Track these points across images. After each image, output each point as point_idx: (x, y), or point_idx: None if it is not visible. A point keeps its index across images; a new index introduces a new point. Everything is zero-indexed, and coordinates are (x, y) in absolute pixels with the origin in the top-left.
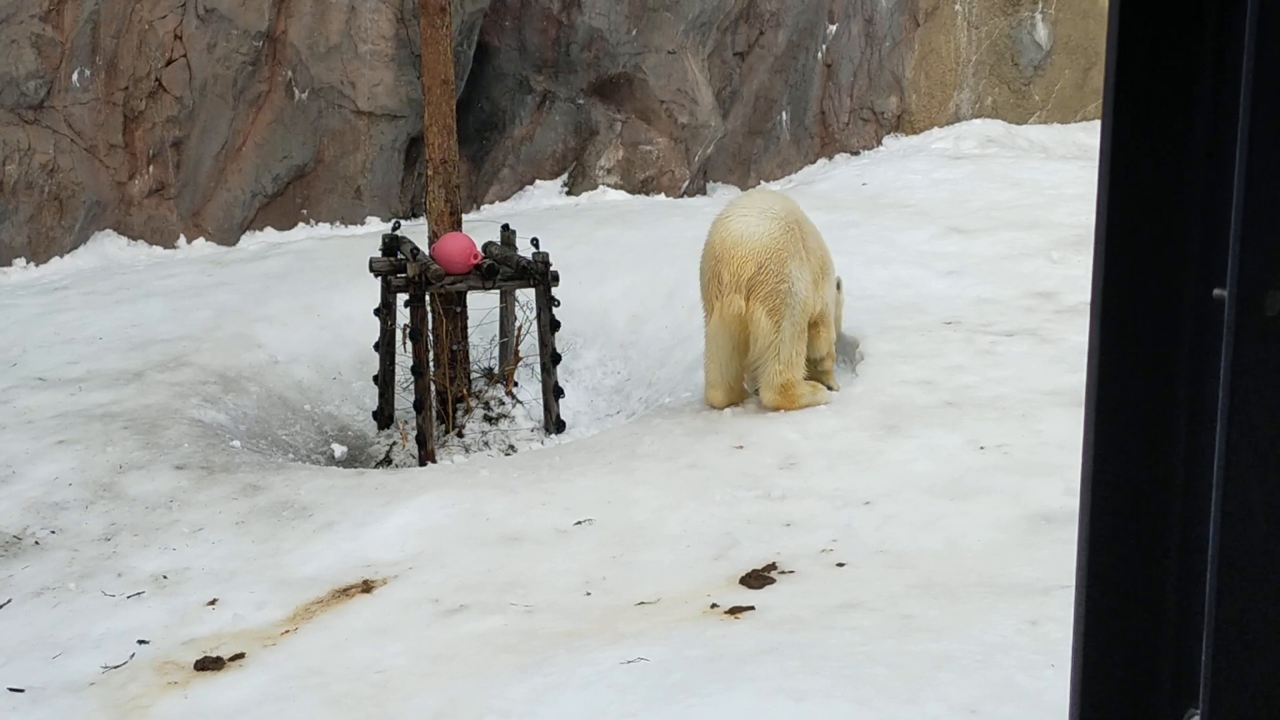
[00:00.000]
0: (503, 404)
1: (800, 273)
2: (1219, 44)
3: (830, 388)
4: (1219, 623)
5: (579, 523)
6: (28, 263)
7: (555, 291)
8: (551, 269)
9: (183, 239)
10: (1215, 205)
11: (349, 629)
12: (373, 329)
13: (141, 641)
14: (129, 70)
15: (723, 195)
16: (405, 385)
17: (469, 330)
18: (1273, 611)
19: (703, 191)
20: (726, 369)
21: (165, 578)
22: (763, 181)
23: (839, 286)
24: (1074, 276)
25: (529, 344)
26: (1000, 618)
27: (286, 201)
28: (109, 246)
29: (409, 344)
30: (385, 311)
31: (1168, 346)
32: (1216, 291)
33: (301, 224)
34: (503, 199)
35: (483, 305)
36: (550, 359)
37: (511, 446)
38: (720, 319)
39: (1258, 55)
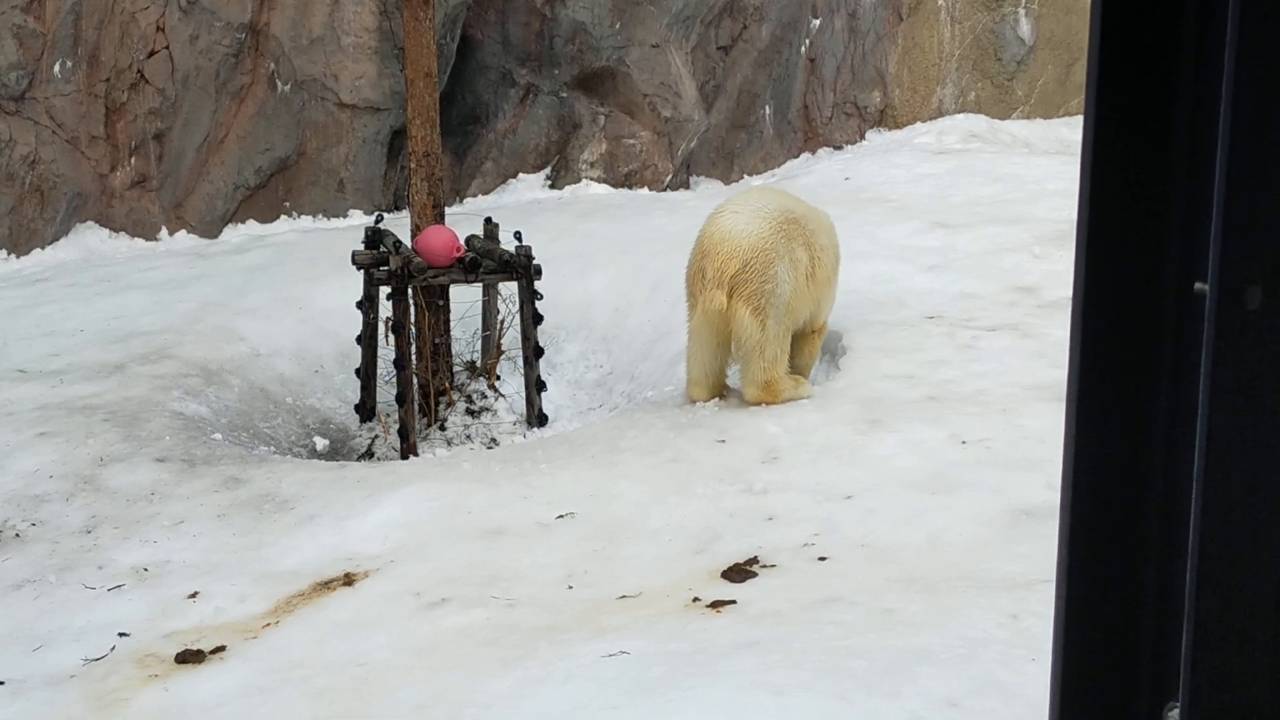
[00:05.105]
0: (485, 397)
1: (788, 274)
2: (1200, 38)
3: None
4: (1199, 616)
5: (561, 516)
6: (8, 255)
7: (538, 285)
8: (534, 262)
9: (164, 231)
10: (1196, 199)
11: (330, 622)
12: (355, 322)
13: (122, 634)
14: (111, 62)
15: (706, 189)
16: (387, 378)
17: (451, 323)
18: (1252, 605)
19: (686, 185)
20: (709, 365)
21: (146, 570)
22: (746, 176)
23: None
24: (1056, 271)
25: (511, 337)
26: (981, 612)
27: (269, 194)
28: (90, 239)
29: (391, 337)
30: (368, 304)
31: (1149, 341)
32: (1198, 285)
33: (284, 216)
34: (486, 192)
35: (465, 299)
36: (533, 352)
37: (494, 440)
38: (702, 314)
39: (1239, 49)
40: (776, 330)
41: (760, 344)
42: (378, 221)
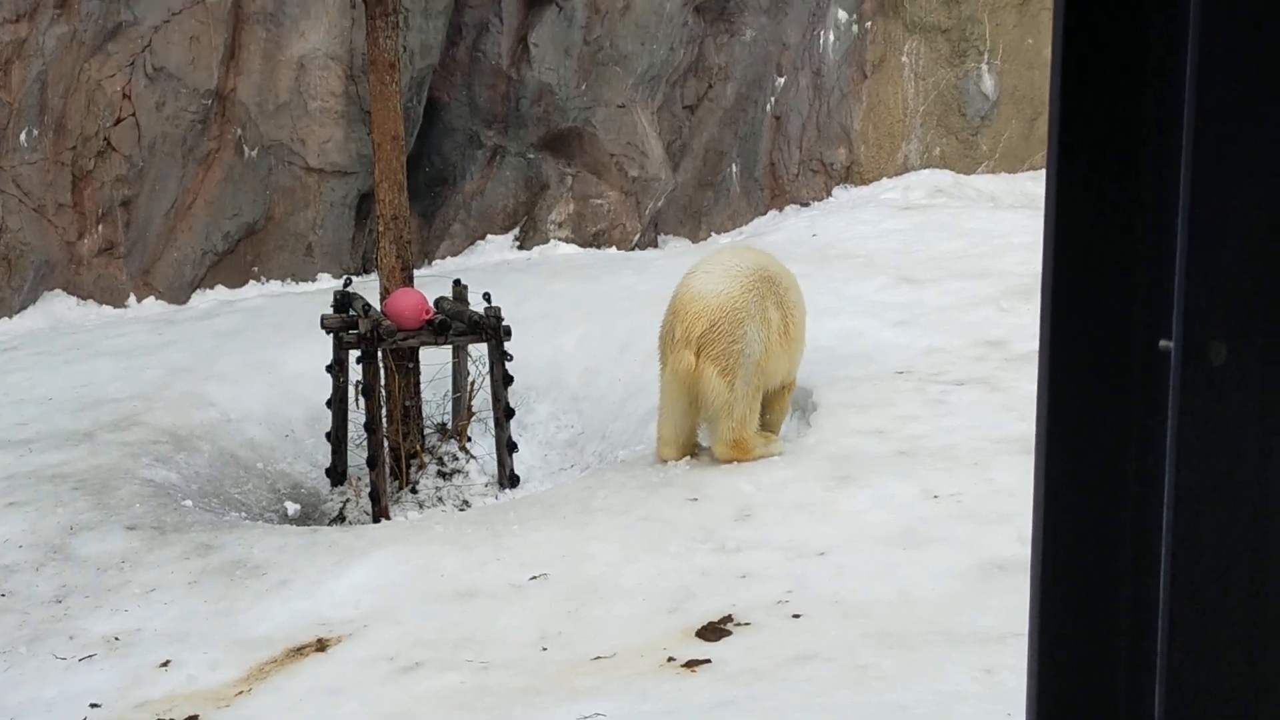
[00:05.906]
0: (456, 459)
1: (759, 333)
2: (1160, 93)
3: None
4: (1171, 669)
5: (534, 578)
6: None
7: (508, 346)
8: (504, 323)
9: (133, 298)
10: (1160, 256)
11: (304, 688)
12: (325, 386)
13: (94, 705)
14: (77, 129)
15: (674, 248)
16: (358, 442)
17: (421, 386)
18: (1223, 658)
19: (654, 244)
20: (680, 425)
21: (117, 639)
22: (714, 234)
23: None
24: (1022, 325)
25: (482, 399)
26: (955, 666)
27: (237, 259)
28: (58, 306)
29: (361, 400)
30: (337, 368)
31: (1116, 395)
32: (1162, 343)
33: (252, 281)
34: (454, 254)
35: (435, 360)
36: (503, 414)
37: (465, 502)
38: (671, 373)
39: (1198, 107)
40: (745, 390)
41: (729, 404)
42: (346, 285)
